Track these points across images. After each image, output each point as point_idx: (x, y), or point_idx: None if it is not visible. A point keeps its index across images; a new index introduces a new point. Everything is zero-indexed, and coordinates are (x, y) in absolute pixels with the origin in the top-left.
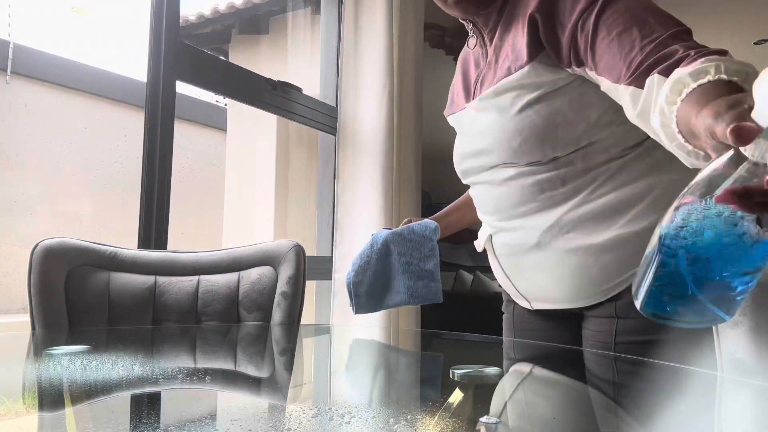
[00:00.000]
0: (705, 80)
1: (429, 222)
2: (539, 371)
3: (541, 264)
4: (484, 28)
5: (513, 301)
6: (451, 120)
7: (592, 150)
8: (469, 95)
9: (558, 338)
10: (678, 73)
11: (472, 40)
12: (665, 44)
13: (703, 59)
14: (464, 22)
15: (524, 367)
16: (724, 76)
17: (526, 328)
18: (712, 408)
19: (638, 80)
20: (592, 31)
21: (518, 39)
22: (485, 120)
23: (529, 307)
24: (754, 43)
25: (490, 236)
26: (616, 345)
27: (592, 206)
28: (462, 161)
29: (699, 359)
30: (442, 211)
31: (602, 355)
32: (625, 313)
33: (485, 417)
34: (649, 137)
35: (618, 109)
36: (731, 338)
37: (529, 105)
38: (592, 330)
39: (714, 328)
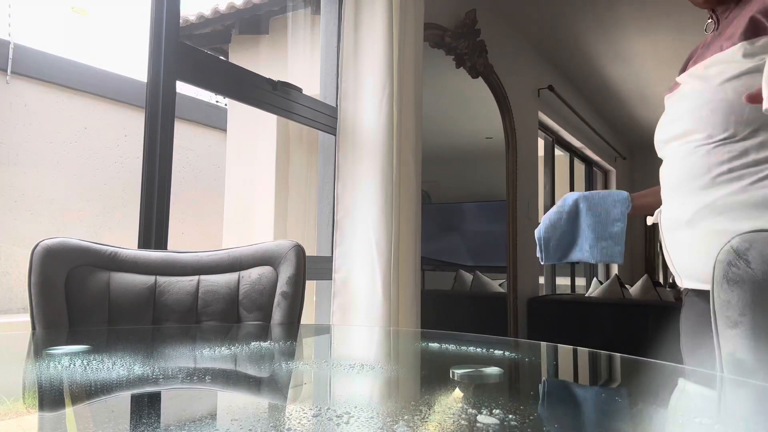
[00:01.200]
0: None
1: (622, 192)
2: (539, 371)
3: (690, 240)
4: (722, 16)
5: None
6: (668, 100)
7: None
8: (688, 65)
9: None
10: None
11: (710, 25)
12: None
13: None
14: (706, 10)
15: (525, 367)
16: None
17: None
18: (712, 408)
19: None
20: None
21: (740, 23)
22: (688, 90)
23: (681, 285)
24: None
25: (660, 211)
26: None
27: (747, 196)
28: (659, 131)
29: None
30: (641, 192)
31: (601, 354)
32: None
33: (482, 416)
34: None
35: None
36: (731, 338)
37: (729, 80)
38: None
39: (714, 328)
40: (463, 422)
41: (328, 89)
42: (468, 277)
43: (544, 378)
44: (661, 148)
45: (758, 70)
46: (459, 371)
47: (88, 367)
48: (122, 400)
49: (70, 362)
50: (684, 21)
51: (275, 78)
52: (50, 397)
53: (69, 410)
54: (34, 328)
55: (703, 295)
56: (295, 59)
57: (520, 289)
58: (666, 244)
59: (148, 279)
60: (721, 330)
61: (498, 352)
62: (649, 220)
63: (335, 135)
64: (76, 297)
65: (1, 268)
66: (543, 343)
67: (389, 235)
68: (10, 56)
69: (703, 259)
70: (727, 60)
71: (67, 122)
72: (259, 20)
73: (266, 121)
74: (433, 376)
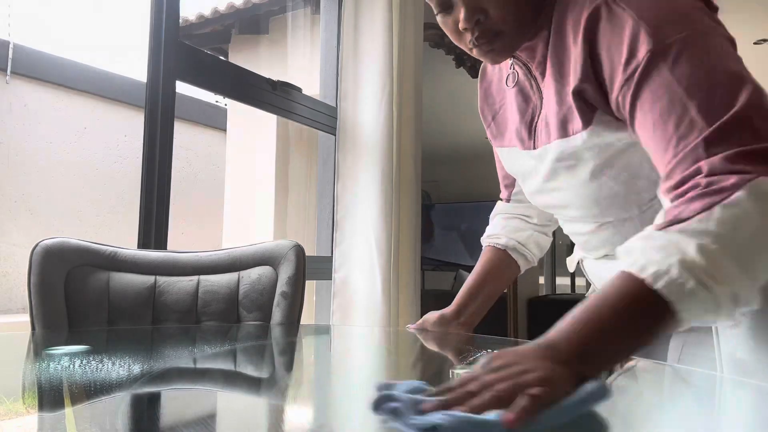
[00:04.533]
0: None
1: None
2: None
3: None
4: (531, 61)
5: None
6: (502, 152)
7: None
8: (525, 138)
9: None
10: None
11: (511, 77)
12: (692, 161)
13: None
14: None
15: None
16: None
17: None
18: (712, 408)
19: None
20: (630, 109)
21: (567, 95)
22: (554, 179)
23: None
24: (754, 43)
25: (581, 260)
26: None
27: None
28: (535, 200)
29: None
30: (457, 303)
31: None
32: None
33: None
34: None
35: None
36: (731, 338)
37: (601, 171)
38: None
39: (714, 328)
40: None
41: (327, 89)
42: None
43: None
44: (539, 205)
45: (622, 147)
46: (459, 371)
47: (87, 367)
48: (122, 400)
49: (69, 362)
50: None
51: (275, 78)
52: (50, 397)
53: (69, 410)
54: (33, 328)
55: None
56: (294, 59)
57: (520, 289)
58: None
59: (147, 279)
60: (721, 330)
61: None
62: (570, 268)
63: (335, 135)
64: (75, 297)
65: (1, 268)
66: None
67: (389, 235)
68: (10, 56)
69: None
70: (585, 148)
71: (67, 122)
72: (258, 20)
73: (266, 121)
74: (433, 376)
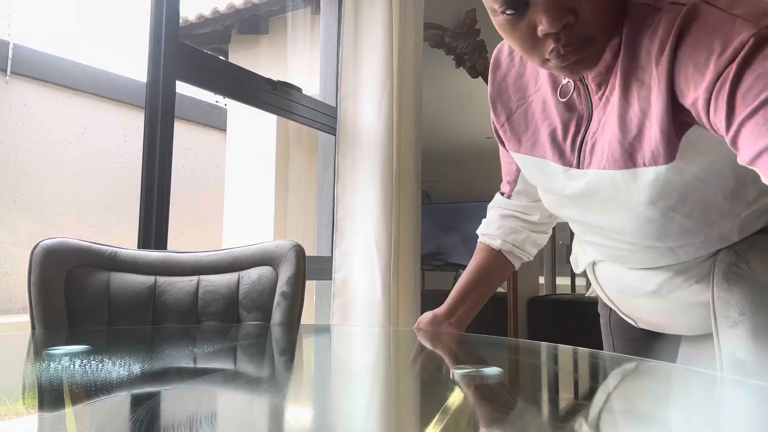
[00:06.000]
0: None
1: None
2: (539, 371)
3: (658, 308)
4: (589, 71)
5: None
6: (523, 160)
7: (748, 223)
8: (566, 153)
9: (657, 352)
10: None
11: (563, 89)
12: None
13: None
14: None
15: (525, 367)
16: None
17: (627, 337)
18: (712, 408)
19: None
20: (728, 101)
21: (635, 119)
22: (604, 201)
23: (634, 325)
24: None
25: (593, 262)
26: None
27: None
28: (559, 212)
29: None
30: (449, 303)
31: (600, 355)
32: None
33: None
34: None
35: None
36: (731, 338)
37: (673, 209)
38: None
39: (714, 328)
40: (463, 423)
41: (327, 89)
42: None
43: (544, 379)
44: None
45: (703, 179)
46: (459, 371)
47: (87, 367)
48: (122, 400)
49: (69, 362)
50: None
51: (275, 78)
52: (50, 397)
53: (69, 410)
54: (33, 328)
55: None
56: (294, 59)
57: (520, 289)
58: (611, 297)
59: (147, 279)
60: (721, 330)
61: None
62: (576, 268)
63: (335, 135)
64: (75, 297)
65: (1, 268)
66: (543, 344)
67: (389, 235)
68: (10, 56)
69: (683, 321)
70: (658, 181)
71: (67, 122)
72: (258, 20)
73: (266, 121)
74: (433, 376)
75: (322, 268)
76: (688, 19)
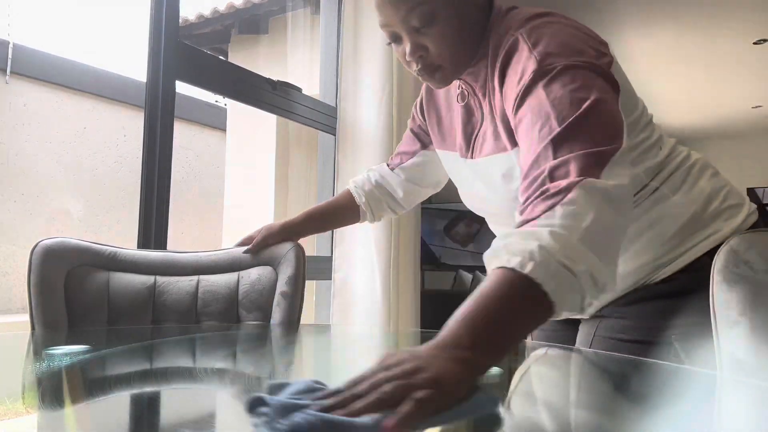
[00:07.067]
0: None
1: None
2: (538, 370)
3: None
4: (474, 83)
5: None
6: (443, 155)
7: None
8: (463, 148)
9: (566, 338)
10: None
11: (461, 96)
12: (541, 164)
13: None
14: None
15: (524, 367)
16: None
17: (543, 328)
18: (711, 408)
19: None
20: (515, 122)
21: (497, 116)
22: (487, 187)
23: None
24: (754, 43)
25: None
26: (594, 338)
27: None
28: (467, 202)
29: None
30: (303, 218)
31: (600, 354)
32: (608, 314)
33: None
34: (640, 190)
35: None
36: (731, 338)
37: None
38: (585, 328)
39: (714, 328)
40: (463, 423)
41: (327, 89)
42: (468, 277)
43: (542, 378)
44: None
45: None
46: None
47: (87, 368)
48: (122, 400)
49: (69, 362)
50: (684, 21)
51: (275, 78)
52: (50, 397)
53: (69, 410)
54: (33, 328)
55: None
56: (294, 59)
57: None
58: None
59: (147, 279)
60: (721, 330)
61: None
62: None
63: (335, 135)
64: (75, 297)
65: (1, 268)
66: (541, 343)
67: (389, 235)
68: (10, 56)
69: None
70: (509, 164)
71: (67, 122)
72: (258, 20)
73: (266, 121)
74: None
75: (322, 268)
76: (510, 50)
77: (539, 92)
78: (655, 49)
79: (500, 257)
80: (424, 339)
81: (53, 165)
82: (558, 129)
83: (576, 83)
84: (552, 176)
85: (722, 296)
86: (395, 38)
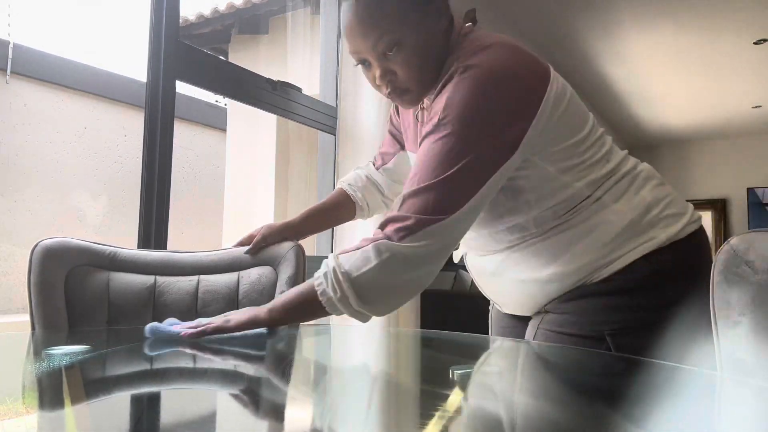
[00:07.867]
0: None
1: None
2: (536, 370)
3: (499, 287)
4: (430, 97)
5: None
6: (411, 158)
7: (540, 217)
8: (415, 149)
9: (520, 333)
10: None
11: (420, 114)
12: (404, 201)
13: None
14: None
15: (523, 366)
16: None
17: (501, 325)
18: (711, 408)
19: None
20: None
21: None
22: None
23: (501, 310)
24: (754, 43)
25: (464, 255)
26: (538, 330)
27: (537, 248)
28: None
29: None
30: (302, 219)
31: (600, 354)
32: (551, 309)
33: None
34: (582, 200)
35: (555, 178)
36: (731, 338)
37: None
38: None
39: (714, 328)
40: (463, 422)
41: (327, 89)
42: (468, 277)
43: (541, 377)
44: None
45: None
46: (459, 371)
47: (87, 368)
48: (122, 400)
49: (69, 362)
50: (684, 21)
51: (275, 78)
52: (50, 397)
53: (69, 410)
54: (33, 328)
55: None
56: (294, 59)
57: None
58: (477, 282)
59: (147, 279)
60: (721, 330)
61: (498, 352)
62: (455, 258)
63: (335, 135)
64: (75, 297)
65: (1, 268)
66: (541, 343)
67: None
68: (10, 56)
69: (516, 300)
70: None
71: (67, 122)
72: (258, 20)
73: (266, 121)
74: (433, 376)
75: None
76: (446, 81)
77: (427, 142)
78: (655, 49)
79: (316, 275)
80: (424, 338)
81: (53, 165)
82: (411, 188)
83: (453, 151)
84: (383, 224)
85: (722, 296)
86: (365, 64)
